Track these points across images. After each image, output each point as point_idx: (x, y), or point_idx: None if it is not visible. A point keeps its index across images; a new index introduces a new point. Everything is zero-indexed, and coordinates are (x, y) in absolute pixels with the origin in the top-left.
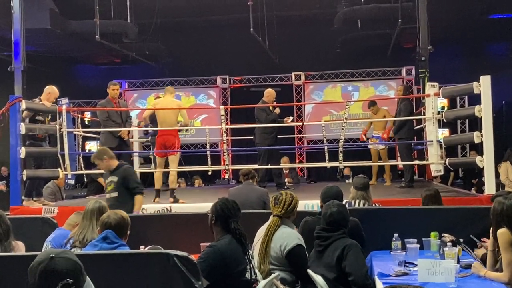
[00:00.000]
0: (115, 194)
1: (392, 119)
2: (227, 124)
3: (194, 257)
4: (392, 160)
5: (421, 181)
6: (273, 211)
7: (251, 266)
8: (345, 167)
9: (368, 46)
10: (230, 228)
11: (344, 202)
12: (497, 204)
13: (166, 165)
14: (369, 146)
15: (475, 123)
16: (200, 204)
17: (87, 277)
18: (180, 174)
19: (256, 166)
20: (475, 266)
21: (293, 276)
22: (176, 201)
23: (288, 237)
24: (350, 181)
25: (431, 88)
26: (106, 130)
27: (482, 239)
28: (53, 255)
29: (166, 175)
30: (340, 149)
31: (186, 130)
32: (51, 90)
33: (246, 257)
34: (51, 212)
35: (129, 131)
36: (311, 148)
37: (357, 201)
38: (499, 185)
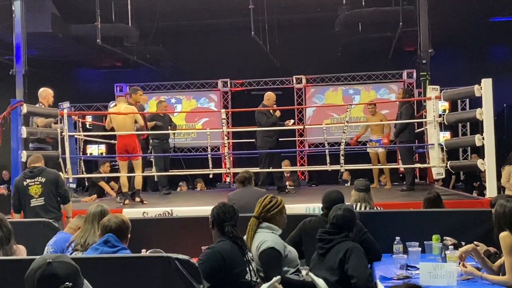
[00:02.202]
0: None
1: (388, 122)
2: (228, 127)
3: (195, 261)
4: (393, 163)
5: (422, 184)
6: None
7: (251, 268)
8: (344, 171)
9: (369, 49)
10: (225, 232)
11: None
12: (499, 207)
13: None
14: (368, 150)
15: (477, 126)
16: (200, 207)
17: (85, 280)
18: (181, 178)
19: (257, 170)
20: (465, 268)
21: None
22: (142, 201)
23: (263, 239)
24: (349, 185)
25: (432, 91)
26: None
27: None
28: (50, 260)
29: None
30: (342, 152)
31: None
32: (47, 92)
33: (244, 259)
34: None
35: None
36: (312, 151)
37: (359, 204)
38: (500, 188)
